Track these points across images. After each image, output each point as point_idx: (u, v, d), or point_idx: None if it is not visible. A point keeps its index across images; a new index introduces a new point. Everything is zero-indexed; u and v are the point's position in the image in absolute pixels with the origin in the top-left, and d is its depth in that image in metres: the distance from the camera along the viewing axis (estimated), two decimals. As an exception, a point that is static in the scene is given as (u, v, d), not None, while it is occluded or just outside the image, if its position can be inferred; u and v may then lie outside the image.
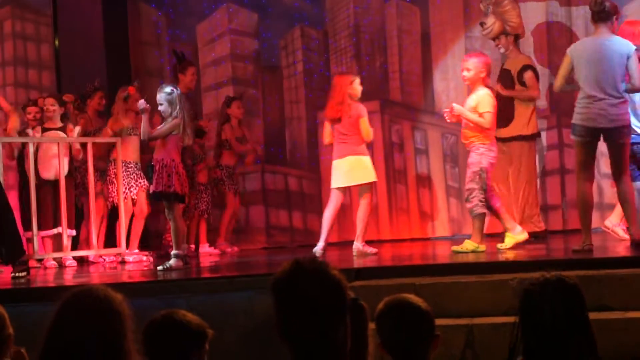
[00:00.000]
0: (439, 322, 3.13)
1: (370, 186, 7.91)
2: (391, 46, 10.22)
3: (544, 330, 2.88)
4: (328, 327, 2.38)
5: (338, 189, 7.91)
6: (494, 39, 8.68)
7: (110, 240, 8.97)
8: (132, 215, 8.82)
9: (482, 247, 7.25)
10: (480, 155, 7.39)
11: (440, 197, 10.07)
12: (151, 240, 9.93)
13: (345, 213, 10.14)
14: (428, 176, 10.11)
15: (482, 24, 8.68)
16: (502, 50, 8.69)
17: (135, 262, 8.55)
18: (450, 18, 10.03)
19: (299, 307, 2.39)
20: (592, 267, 5.72)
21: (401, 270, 6.13)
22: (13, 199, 8.76)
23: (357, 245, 7.83)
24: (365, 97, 10.18)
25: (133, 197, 8.76)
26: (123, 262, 8.54)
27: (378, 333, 3.05)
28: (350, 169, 7.81)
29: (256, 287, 5.75)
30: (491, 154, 7.43)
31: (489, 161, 7.41)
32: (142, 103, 7.27)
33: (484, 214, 7.37)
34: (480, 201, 7.31)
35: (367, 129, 7.88)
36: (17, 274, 7.13)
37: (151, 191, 7.43)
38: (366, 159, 7.88)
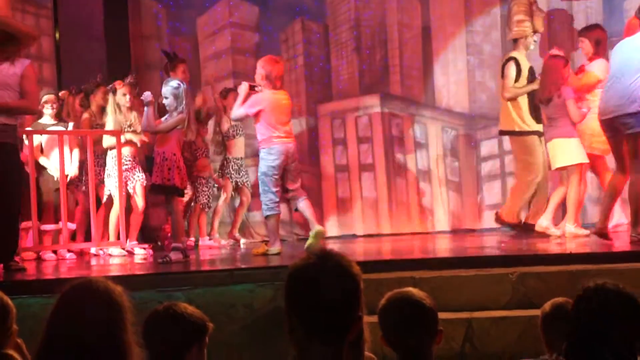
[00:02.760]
0: (438, 315, 3.13)
1: (578, 168, 7.91)
2: (392, 40, 10.22)
3: (591, 331, 2.86)
4: (343, 325, 2.34)
5: (557, 169, 8.04)
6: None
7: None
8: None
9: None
10: None
11: (440, 191, 10.07)
12: (150, 233, 9.95)
13: (345, 206, 10.17)
14: (428, 170, 10.12)
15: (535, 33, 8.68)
16: (532, 47, 8.69)
17: (133, 255, 8.56)
18: (451, 12, 10.03)
19: (318, 301, 2.30)
20: (593, 262, 5.72)
21: (401, 264, 6.12)
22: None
23: (569, 227, 7.86)
24: (365, 91, 10.24)
25: (129, 191, 8.77)
26: (130, 254, 8.56)
27: (380, 327, 3.04)
28: (559, 151, 7.88)
29: (257, 280, 5.75)
30: None
31: None
32: (147, 95, 7.24)
33: None
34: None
35: (575, 111, 7.88)
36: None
37: (150, 184, 7.42)
38: (574, 141, 7.87)
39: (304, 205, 7.64)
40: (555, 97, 7.86)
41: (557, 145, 7.91)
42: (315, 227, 7.45)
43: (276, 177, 7.49)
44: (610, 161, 7.64)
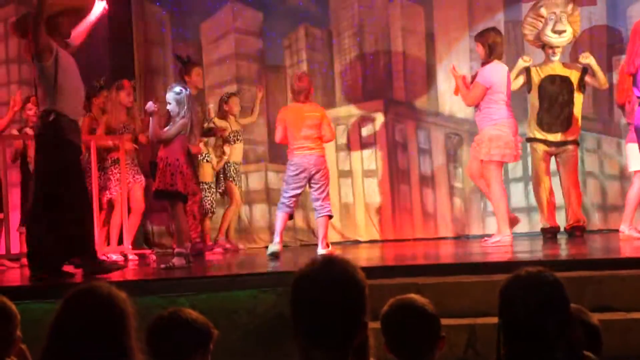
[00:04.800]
0: (441, 321, 3.13)
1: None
2: (395, 46, 10.22)
3: (519, 327, 2.85)
4: (348, 331, 2.33)
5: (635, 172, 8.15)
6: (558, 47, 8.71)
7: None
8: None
9: None
10: None
11: (443, 197, 10.07)
12: (154, 238, 9.96)
13: (348, 213, 10.17)
14: (431, 176, 10.11)
15: (560, 32, 8.64)
16: (556, 57, 8.67)
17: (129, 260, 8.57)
18: (455, 17, 10.03)
19: (323, 307, 2.31)
20: (595, 268, 5.72)
21: (404, 270, 6.13)
22: (16, 196, 8.78)
23: (624, 228, 7.97)
24: (368, 97, 10.23)
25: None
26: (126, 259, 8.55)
27: (383, 333, 3.04)
28: (632, 155, 8.00)
29: (260, 286, 5.75)
30: None
31: None
32: (150, 105, 7.24)
33: None
34: None
35: None
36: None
37: (153, 189, 7.44)
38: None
39: (319, 221, 7.96)
40: (627, 102, 7.98)
41: (629, 149, 8.09)
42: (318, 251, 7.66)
43: (293, 186, 7.91)
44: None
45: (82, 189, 6.76)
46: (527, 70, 8.70)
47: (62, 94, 6.54)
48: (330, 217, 8.02)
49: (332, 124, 8.29)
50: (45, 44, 6.49)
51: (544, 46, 8.71)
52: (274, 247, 7.83)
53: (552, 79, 8.58)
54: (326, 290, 2.32)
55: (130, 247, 8.65)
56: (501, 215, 7.87)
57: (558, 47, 8.68)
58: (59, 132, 6.48)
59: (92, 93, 9.05)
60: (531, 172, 8.93)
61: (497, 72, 7.95)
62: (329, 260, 2.39)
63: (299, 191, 7.96)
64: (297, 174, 7.85)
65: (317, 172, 7.87)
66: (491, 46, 8.04)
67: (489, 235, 8.37)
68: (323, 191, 7.90)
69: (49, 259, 6.46)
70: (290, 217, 8.15)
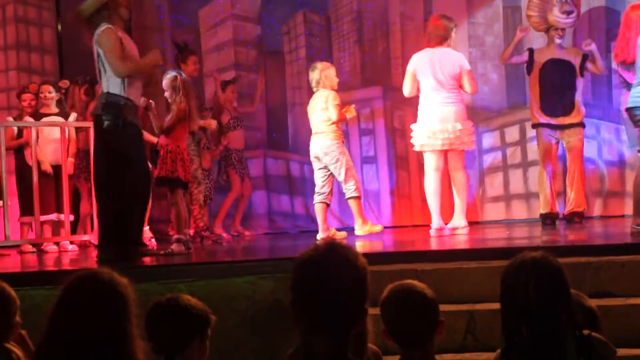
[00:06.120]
0: (440, 308, 3.13)
1: None
2: (394, 32, 10.20)
3: (520, 309, 2.88)
4: (349, 317, 2.34)
5: None
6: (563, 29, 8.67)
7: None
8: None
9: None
10: None
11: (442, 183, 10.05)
12: (152, 225, 9.96)
13: (342, 200, 10.17)
14: (430, 162, 10.09)
15: (569, 13, 8.62)
16: (561, 41, 8.65)
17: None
18: (453, 3, 9.99)
19: (325, 293, 2.31)
20: (594, 254, 5.72)
21: (403, 256, 6.13)
22: (12, 184, 8.78)
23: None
24: (367, 83, 10.22)
25: None
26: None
27: (382, 319, 3.04)
28: None
29: (258, 273, 5.76)
30: None
31: None
32: (142, 102, 7.24)
33: None
34: None
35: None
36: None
37: (154, 176, 7.44)
38: None
39: (316, 208, 8.26)
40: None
41: None
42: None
43: (315, 170, 8.30)
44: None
45: (144, 171, 6.88)
46: (530, 51, 8.68)
47: (129, 77, 6.69)
48: (357, 197, 8.22)
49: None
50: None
51: (549, 29, 8.68)
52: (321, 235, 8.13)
53: (554, 62, 8.56)
54: (328, 276, 2.32)
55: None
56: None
57: (564, 28, 8.65)
58: (127, 117, 6.66)
59: (96, 81, 9.05)
60: (529, 158, 8.93)
61: None
62: (330, 246, 2.40)
63: (320, 177, 8.22)
64: (311, 158, 8.32)
65: (325, 156, 8.14)
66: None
67: (488, 222, 8.39)
68: (339, 174, 8.15)
69: (115, 240, 6.61)
70: (327, 205, 8.33)
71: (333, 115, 8.14)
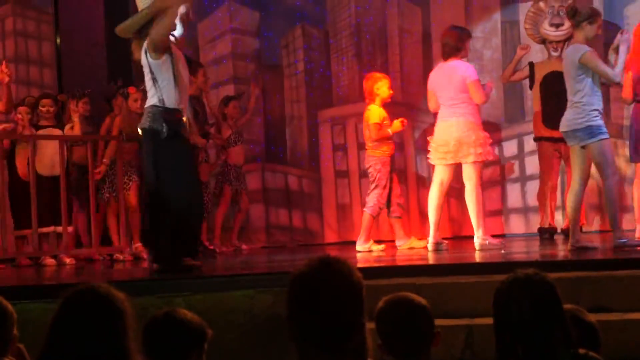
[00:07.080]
0: (438, 322, 3.13)
1: None
2: (392, 46, 10.22)
3: (513, 327, 2.87)
4: (345, 332, 2.33)
5: None
6: (558, 42, 8.68)
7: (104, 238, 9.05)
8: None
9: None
10: None
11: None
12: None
13: (345, 213, 10.16)
14: (428, 176, 10.09)
15: (557, 26, 8.62)
16: (556, 54, 8.66)
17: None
18: (452, 17, 10.00)
19: (320, 308, 2.30)
20: (592, 269, 5.72)
21: (401, 270, 6.13)
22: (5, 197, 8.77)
23: None
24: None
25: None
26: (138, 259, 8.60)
27: (378, 333, 3.03)
28: None
29: (256, 286, 5.75)
30: None
31: None
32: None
33: None
34: None
35: None
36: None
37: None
38: None
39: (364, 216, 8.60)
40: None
41: None
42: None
43: None
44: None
45: (193, 182, 6.82)
46: (530, 65, 8.69)
47: (179, 86, 6.59)
48: (372, 215, 8.51)
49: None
50: (164, 39, 6.58)
51: (545, 42, 8.70)
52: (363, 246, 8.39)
53: (554, 75, 8.55)
54: (324, 291, 2.31)
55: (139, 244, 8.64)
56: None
57: (556, 41, 8.66)
58: (177, 128, 6.52)
59: (111, 94, 9.15)
60: (527, 172, 8.93)
61: None
62: (326, 260, 2.39)
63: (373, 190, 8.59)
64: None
65: (366, 169, 8.71)
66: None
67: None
68: (369, 188, 8.63)
69: (168, 252, 6.51)
70: (374, 217, 8.60)
71: (369, 134, 8.71)
